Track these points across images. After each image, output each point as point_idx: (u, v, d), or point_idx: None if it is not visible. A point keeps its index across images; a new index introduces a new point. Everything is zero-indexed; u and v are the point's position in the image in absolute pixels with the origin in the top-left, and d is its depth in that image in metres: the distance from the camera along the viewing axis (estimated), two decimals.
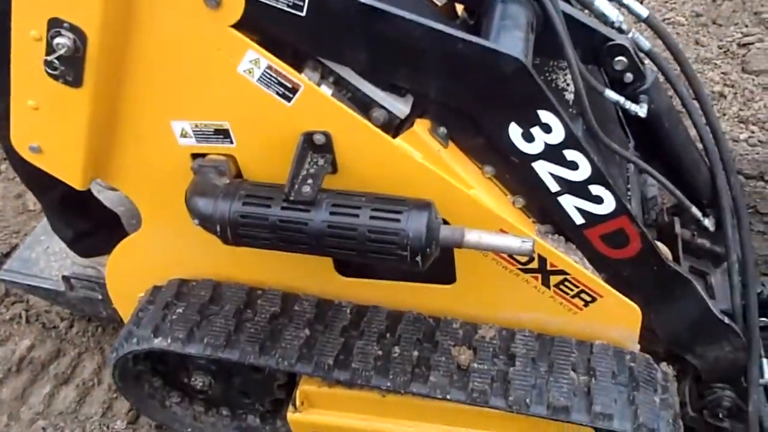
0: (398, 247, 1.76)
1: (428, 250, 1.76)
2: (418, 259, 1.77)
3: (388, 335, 2.27)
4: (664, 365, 2.35)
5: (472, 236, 1.82)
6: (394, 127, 1.96)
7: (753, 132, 4.19)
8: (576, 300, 2.19)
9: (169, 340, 2.25)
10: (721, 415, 2.43)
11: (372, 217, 1.78)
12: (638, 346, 2.32)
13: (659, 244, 2.52)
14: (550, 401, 2.10)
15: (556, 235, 2.15)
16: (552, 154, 1.92)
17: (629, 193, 2.44)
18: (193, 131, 2.00)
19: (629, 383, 2.18)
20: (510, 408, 2.11)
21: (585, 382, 2.17)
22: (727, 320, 2.21)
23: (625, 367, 2.22)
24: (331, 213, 1.80)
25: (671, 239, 2.66)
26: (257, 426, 2.74)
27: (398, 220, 1.76)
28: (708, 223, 2.41)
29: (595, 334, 2.29)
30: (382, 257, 1.80)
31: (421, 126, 1.92)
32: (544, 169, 1.95)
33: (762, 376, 2.58)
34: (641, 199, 2.83)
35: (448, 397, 2.14)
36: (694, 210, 2.34)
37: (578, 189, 1.99)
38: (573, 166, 1.94)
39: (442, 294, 2.27)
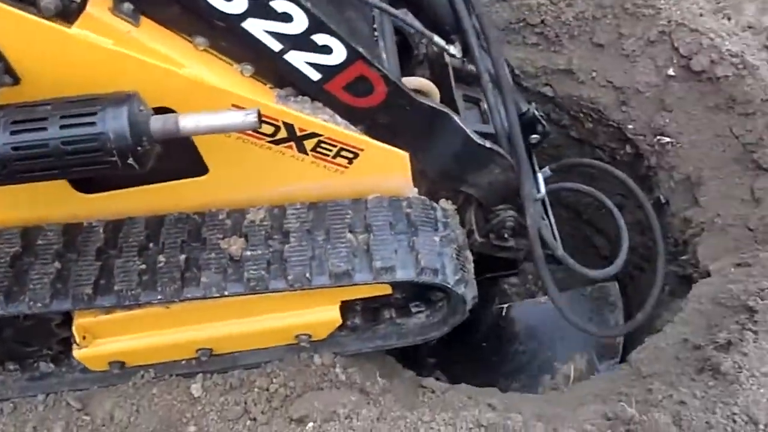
0: (103, 153, 1.52)
1: (139, 148, 1.54)
2: (131, 161, 1.55)
3: (150, 245, 2.07)
4: (443, 202, 2.34)
5: (187, 122, 1.61)
6: (73, 13, 1.65)
7: None
8: (339, 160, 2.08)
9: None
10: (506, 236, 2.49)
11: (63, 126, 1.52)
12: (415, 191, 2.28)
13: (421, 80, 2.45)
14: (330, 269, 2.03)
15: (300, 97, 1.99)
16: (259, 9, 1.71)
17: (378, 35, 2.29)
18: None
19: (408, 230, 2.14)
20: (292, 286, 2.02)
21: (364, 240, 2.11)
22: (488, 144, 2.19)
23: (402, 215, 2.17)
24: (12, 132, 1.52)
25: (442, 69, 2.60)
26: (53, 371, 2.50)
27: (93, 123, 1.51)
28: (454, 50, 2.33)
29: (368, 189, 2.21)
30: (89, 168, 1.56)
31: (98, 6, 1.63)
32: (257, 27, 1.74)
33: (538, 190, 2.66)
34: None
35: (226, 293, 2.01)
36: (437, 39, 2.25)
37: (301, 42, 1.81)
38: (286, 18, 1.74)
39: (198, 187, 2.07)
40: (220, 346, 2.34)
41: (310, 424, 2.12)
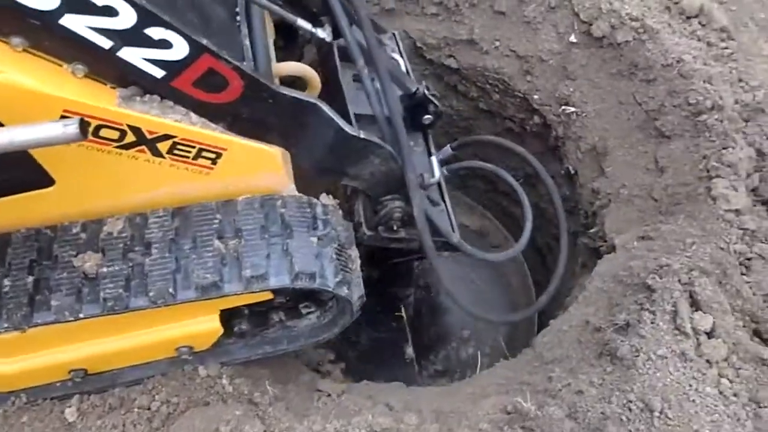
0: None
1: None
2: None
3: None
4: (324, 197, 2.20)
5: (1, 138, 1.43)
6: None
7: None
8: (201, 161, 1.91)
9: None
10: (395, 227, 2.36)
11: None
12: (293, 188, 2.13)
13: (296, 65, 2.29)
14: (196, 282, 1.87)
15: (147, 96, 1.80)
16: (75, 4, 1.51)
17: (241, 20, 2.10)
18: None
19: (282, 232, 1.99)
20: (155, 303, 1.86)
21: (234, 246, 1.96)
22: (363, 135, 2.04)
23: (275, 216, 2.02)
24: None
25: (328, 50, 2.43)
26: None
27: None
28: (323, 33, 2.16)
29: (240, 189, 2.05)
30: None
31: None
32: (77, 23, 1.54)
33: (432, 174, 2.54)
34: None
35: (81, 315, 1.84)
36: (301, 22, 2.07)
37: (134, 38, 1.61)
38: (110, 12, 1.54)
39: (44, 199, 1.87)
40: (95, 365, 2.16)
41: None
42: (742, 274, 2.36)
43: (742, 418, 1.94)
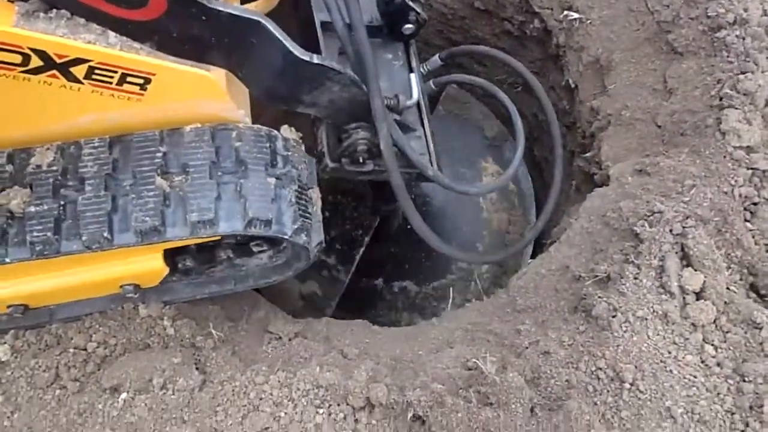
0: None
1: None
2: None
3: None
4: (286, 130, 1.94)
5: None
6: None
7: None
8: (127, 87, 1.65)
9: None
10: (361, 159, 2.11)
11: None
12: (244, 115, 1.87)
13: None
14: (135, 226, 1.67)
15: (54, 12, 1.52)
16: None
17: None
18: None
19: (236, 169, 1.76)
20: (89, 248, 1.67)
21: (179, 184, 1.73)
22: (316, 59, 1.74)
23: (229, 150, 1.77)
24: None
25: None
26: None
27: None
28: None
29: (182, 118, 1.79)
30: None
31: None
32: None
33: (411, 95, 2.27)
34: None
35: (7, 260, 1.65)
36: None
37: None
38: None
39: None
40: (36, 301, 2.00)
41: (123, 395, 1.85)
42: (746, 220, 2.12)
43: (722, 392, 1.76)
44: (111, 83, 1.63)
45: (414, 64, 2.40)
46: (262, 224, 1.75)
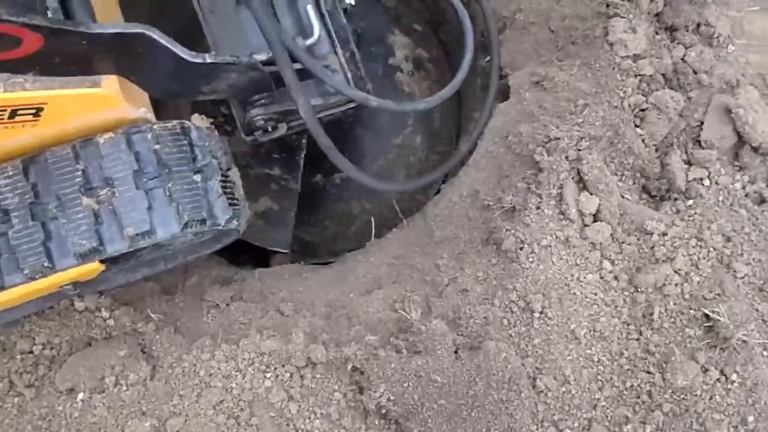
0: None
1: None
2: None
3: None
4: (197, 118, 1.93)
5: None
6: None
7: None
8: (20, 118, 1.62)
9: None
10: (270, 129, 2.11)
11: None
12: (148, 112, 1.84)
13: None
14: (74, 250, 1.70)
15: None
16: None
17: None
18: None
19: (160, 172, 1.76)
20: (33, 278, 1.71)
21: (107, 199, 1.72)
22: (208, 59, 1.70)
23: (149, 155, 1.76)
24: None
25: None
26: None
27: None
28: None
29: (84, 129, 1.77)
30: None
31: None
32: None
33: (310, 32, 2.19)
34: None
35: None
36: None
37: None
38: None
39: None
40: None
41: (80, 395, 1.96)
42: (636, 126, 2.25)
43: (619, 305, 1.99)
44: (3, 119, 1.59)
45: None
46: (197, 223, 1.80)
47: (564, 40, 2.43)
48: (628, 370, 1.91)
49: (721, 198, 2.18)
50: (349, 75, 2.21)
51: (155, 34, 1.61)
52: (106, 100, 1.71)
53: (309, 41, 2.20)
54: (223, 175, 1.89)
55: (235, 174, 1.98)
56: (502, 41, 2.65)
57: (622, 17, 2.24)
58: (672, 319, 1.96)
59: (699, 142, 2.26)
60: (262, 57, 1.96)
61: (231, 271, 2.49)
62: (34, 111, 1.62)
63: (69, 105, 1.66)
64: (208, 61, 1.70)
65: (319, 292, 2.29)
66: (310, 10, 2.24)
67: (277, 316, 2.16)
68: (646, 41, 2.25)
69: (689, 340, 1.93)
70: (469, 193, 2.32)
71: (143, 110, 1.84)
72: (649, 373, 1.90)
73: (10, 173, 1.73)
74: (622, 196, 2.16)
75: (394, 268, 2.30)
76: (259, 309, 2.20)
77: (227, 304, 2.22)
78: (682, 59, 2.33)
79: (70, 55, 1.55)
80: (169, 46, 1.64)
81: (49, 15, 1.53)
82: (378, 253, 2.42)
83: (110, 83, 1.70)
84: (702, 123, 2.26)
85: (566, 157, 2.10)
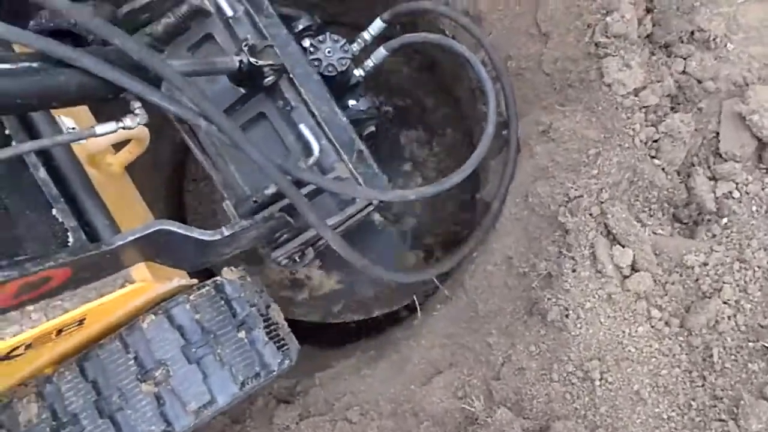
0: None
1: None
2: None
3: None
4: (227, 272, 1.98)
5: None
6: None
7: None
8: (66, 331, 1.70)
9: None
10: (297, 259, 2.15)
11: None
12: (182, 279, 1.91)
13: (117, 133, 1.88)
14: None
15: None
16: None
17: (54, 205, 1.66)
18: None
19: (207, 340, 1.84)
20: None
21: (163, 379, 1.81)
22: (226, 232, 1.76)
23: (192, 326, 1.84)
24: None
25: None
26: None
27: None
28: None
29: (128, 316, 1.87)
30: None
31: None
32: None
33: (310, 151, 2.20)
34: None
35: None
36: None
37: None
38: None
39: None
40: None
41: None
42: (652, 157, 2.23)
43: (677, 352, 1.98)
44: (51, 337, 1.67)
45: (293, 102, 2.26)
46: (253, 379, 1.87)
47: (561, 83, 2.41)
48: (700, 421, 1.91)
49: (754, 208, 2.15)
50: (360, 178, 2.21)
51: (173, 227, 1.67)
52: (141, 289, 1.77)
53: (311, 160, 2.19)
54: (265, 320, 1.94)
55: (275, 310, 2.03)
56: (498, 90, 2.64)
57: (614, 56, 2.22)
58: (733, 357, 1.94)
59: (719, 154, 2.23)
60: (272, 190, 2.00)
61: (291, 379, 2.53)
62: (77, 323, 1.69)
63: (107, 307, 1.73)
64: (226, 234, 1.76)
65: (380, 388, 2.33)
66: (304, 128, 2.20)
67: (347, 426, 2.21)
68: (644, 71, 2.23)
69: (755, 375, 1.92)
70: (503, 260, 2.33)
71: (176, 280, 1.90)
72: (721, 421, 1.89)
73: (69, 377, 1.82)
74: (654, 233, 2.15)
75: (447, 349, 2.33)
76: (328, 422, 2.25)
77: (296, 423, 2.28)
78: (684, 72, 2.31)
79: (98, 267, 1.63)
80: (186, 233, 1.70)
81: (70, 239, 1.58)
82: (428, 335, 2.44)
83: (140, 272, 1.77)
84: (718, 133, 2.24)
85: (590, 215, 2.10)
